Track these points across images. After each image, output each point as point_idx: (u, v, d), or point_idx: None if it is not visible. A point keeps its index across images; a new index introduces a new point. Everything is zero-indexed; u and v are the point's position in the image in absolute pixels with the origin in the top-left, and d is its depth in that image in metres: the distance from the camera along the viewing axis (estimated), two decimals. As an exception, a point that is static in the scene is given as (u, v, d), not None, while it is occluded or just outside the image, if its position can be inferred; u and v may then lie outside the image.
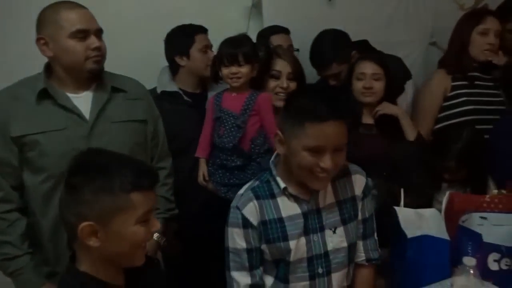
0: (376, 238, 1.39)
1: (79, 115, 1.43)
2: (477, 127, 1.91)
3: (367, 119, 1.93)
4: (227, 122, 1.74)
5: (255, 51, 1.75)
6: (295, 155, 1.19)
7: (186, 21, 2.01)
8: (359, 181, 1.34)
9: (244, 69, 1.70)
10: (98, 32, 1.44)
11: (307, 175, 1.20)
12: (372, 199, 1.60)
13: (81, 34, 1.39)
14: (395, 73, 2.13)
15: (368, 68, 1.87)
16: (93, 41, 1.41)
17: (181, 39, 1.97)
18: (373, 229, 1.38)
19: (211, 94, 1.96)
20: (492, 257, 1.30)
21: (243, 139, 1.70)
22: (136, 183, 0.97)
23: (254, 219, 1.25)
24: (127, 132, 1.52)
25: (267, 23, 2.24)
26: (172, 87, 1.97)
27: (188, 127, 1.87)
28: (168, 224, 1.69)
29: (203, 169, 1.80)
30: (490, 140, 1.86)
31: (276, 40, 2.10)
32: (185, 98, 1.97)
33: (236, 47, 1.71)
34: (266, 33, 2.14)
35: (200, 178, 1.79)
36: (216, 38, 2.00)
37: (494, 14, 2.06)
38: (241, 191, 1.31)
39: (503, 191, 1.52)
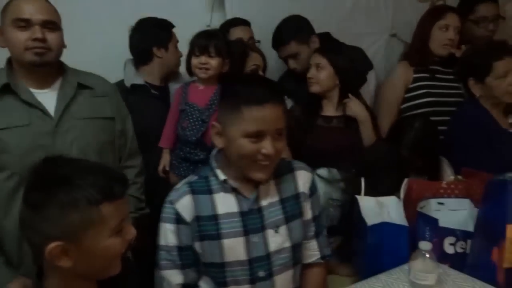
0: (325, 234, 1.37)
1: (44, 111, 1.39)
2: (437, 118, 1.97)
3: (327, 111, 1.97)
4: (191, 115, 1.72)
5: (228, 47, 1.75)
6: (234, 144, 1.15)
7: (148, 14, 1.97)
8: (303, 178, 1.30)
9: (214, 61, 1.69)
10: (45, 24, 1.38)
11: (249, 165, 1.16)
12: (340, 192, 1.66)
13: (22, 23, 1.34)
14: (357, 64, 2.18)
15: (313, 58, 1.91)
16: (34, 31, 1.35)
17: (160, 32, 1.95)
18: (324, 226, 1.36)
19: (174, 86, 1.95)
20: (448, 241, 1.35)
21: (207, 133, 1.68)
22: (105, 193, 0.88)
23: (187, 215, 1.19)
24: (94, 129, 1.48)
25: (230, 16, 2.23)
26: (139, 80, 1.94)
27: (159, 120, 1.84)
28: (139, 222, 1.66)
29: (164, 161, 1.78)
30: (448, 129, 1.94)
31: (237, 32, 2.10)
32: (152, 91, 1.94)
33: (208, 38, 1.71)
34: (226, 25, 2.13)
35: (160, 169, 1.78)
36: (178, 31, 2.00)
37: (455, 11, 2.13)
38: (178, 185, 1.26)
39: (459, 177, 1.58)
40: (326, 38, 2.23)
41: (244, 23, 2.16)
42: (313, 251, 1.33)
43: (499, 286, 1.18)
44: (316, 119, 1.95)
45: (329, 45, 2.03)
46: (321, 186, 1.66)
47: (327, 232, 1.69)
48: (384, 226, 1.35)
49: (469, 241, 1.32)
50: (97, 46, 2.01)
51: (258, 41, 2.18)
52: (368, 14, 2.37)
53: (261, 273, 1.21)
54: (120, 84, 1.89)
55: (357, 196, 1.50)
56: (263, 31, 2.21)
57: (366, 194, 1.51)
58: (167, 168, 1.78)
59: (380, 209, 1.46)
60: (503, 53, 1.84)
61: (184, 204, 1.19)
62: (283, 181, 1.28)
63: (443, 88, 2.10)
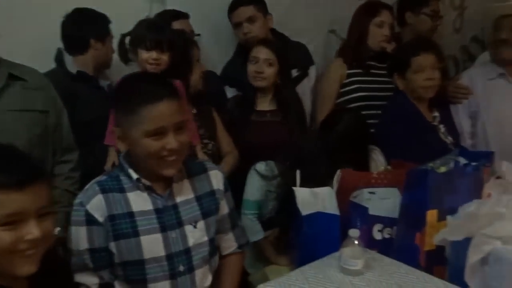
0: (242, 225, 1.45)
1: None
2: (370, 112, 2.07)
3: (261, 106, 2.00)
4: None
5: (176, 40, 1.72)
6: (138, 145, 1.15)
7: (84, 3, 1.90)
8: (216, 176, 1.34)
9: (165, 57, 1.65)
10: None
11: (157, 162, 1.17)
12: (277, 185, 1.70)
13: None
14: (299, 58, 2.25)
15: (261, 53, 1.95)
16: None
17: (99, 24, 1.90)
18: (238, 218, 1.43)
19: (103, 83, 1.92)
20: (376, 228, 1.42)
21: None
22: None
23: (100, 215, 1.17)
24: (24, 122, 1.43)
25: (170, 7, 2.19)
26: (74, 69, 1.88)
27: (104, 110, 1.79)
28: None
29: (113, 157, 1.73)
30: (379, 123, 2.04)
31: (176, 26, 2.06)
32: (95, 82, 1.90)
33: (160, 32, 1.66)
34: (167, 18, 2.09)
35: (109, 166, 1.73)
36: (115, 22, 1.94)
37: (388, 7, 2.23)
38: (87, 186, 1.23)
39: (389, 168, 1.67)
40: (275, 34, 2.30)
41: (183, 16, 2.13)
42: (230, 242, 1.39)
43: (421, 268, 1.27)
44: (250, 114, 1.98)
45: (279, 43, 2.08)
46: (258, 180, 1.70)
47: (266, 224, 1.75)
48: (318, 216, 1.40)
49: (395, 228, 1.40)
50: (30, 36, 1.91)
51: (198, 35, 2.16)
52: (308, 10, 2.42)
53: (181, 268, 1.22)
54: (62, 71, 1.84)
55: (294, 188, 1.54)
56: (204, 24, 2.20)
57: (302, 186, 1.56)
58: (117, 164, 1.73)
59: (315, 200, 1.51)
60: (421, 49, 1.95)
61: (95, 204, 1.17)
62: (197, 180, 1.31)
63: (376, 83, 2.20)
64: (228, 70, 2.27)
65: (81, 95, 1.72)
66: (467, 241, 1.14)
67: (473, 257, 1.11)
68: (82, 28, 1.88)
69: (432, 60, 1.94)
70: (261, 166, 1.71)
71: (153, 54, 1.63)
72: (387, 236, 1.41)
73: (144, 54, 1.64)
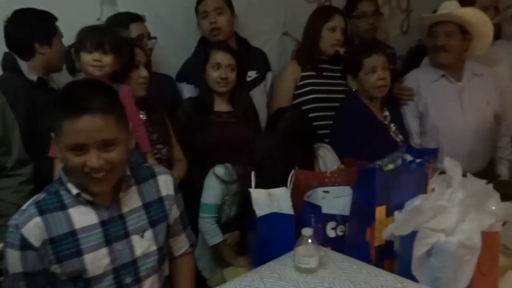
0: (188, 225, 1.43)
1: None
2: (324, 113, 2.15)
3: (218, 107, 2.01)
4: None
5: (120, 44, 1.67)
6: (64, 158, 1.09)
7: (32, 4, 1.84)
8: (165, 181, 1.29)
9: (108, 59, 1.60)
10: None
11: (82, 178, 1.11)
12: (236, 187, 1.70)
13: None
14: (258, 63, 2.28)
15: (224, 58, 1.96)
16: None
17: (42, 25, 1.82)
18: (187, 220, 1.40)
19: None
20: (330, 225, 1.45)
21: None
22: None
23: (36, 239, 1.10)
24: None
25: (122, 9, 2.15)
26: (33, 76, 1.81)
27: None
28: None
29: (58, 170, 1.67)
30: (333, 123, 2.09)
31: (131, 29, 2.03)
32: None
33: (102, 33, 1.62)
34: (123, 21, 2.05)
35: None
36: (65, 26, 1.88)
37: (340, 12, 2.30)
38: (24, 206, 1.15)
39: (342, 166, 1.71)
40: (238, 38, 2.33)
41: (139, 18, 2.09)
42: (183, 243, 1.39)
43: (373, 263, 1.31)
44: (208, 115, 1.99)
45: (230, 47, 2.09)
46: (217, 184, 1.70)
47: (225, 227, 1.75)
48: (273, 216, 1.42)
49: (347, 225, 1.44)
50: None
51: (155, 38, 2.14)
52: (262, 12, 2.45)
53: (128, 279, 1.19)
54: (19, 77, 1.77)
55: (250, 190, 1.55)
56: (158, 27, 2.18)
57: (260, 187, 1.58)
58: None
59: (271, 201, 1.53)
60: (372, 50, 2.03)
61: (31, 228, 1.11)
62: (145, 186, 1.26)
63: (329, 85, 2.26)
64: (188, 67, 2.26)
65: (41, 103, 1.65)
66: (413, 235, 1.19)
67: (418, 250, 1.16)
68: (24, 32, 1.80)
69: (383, 60, 2.02)
70: (220, 170, 1.71)
71: (95, 55, 1.58)
72: (340, 233, 1.44)
73: (86, 57, 1.59)
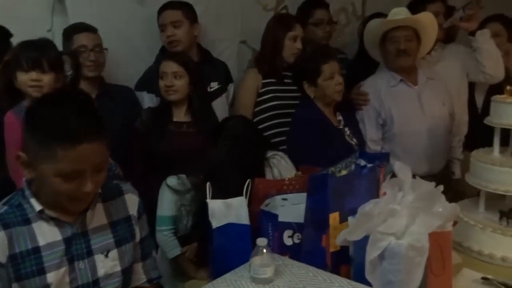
0: (155, 256, 1.35)
1: None
2: (285, 120, 2.16)
3: (177, 117, 1.99)
4: None
5: (61, 59, 1.60)
6: (47, 182, 1.03)
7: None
8: (131, 200, 1.24)
9: (48, 78, 1.51)
10: None
11: (66, 201, 1.07)
12: (191, 198, 1.68)
13: None
14: (220, 75, 2.27)
15: (168, 67, 1.95)
16: None
17: None
18: (152, 247, 1.33)
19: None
20: (286, 234, 1.45)
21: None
22: None
23: (2, 255, 1.05)
24: None
25: (73, 20, 2.10)
26: None
27: None
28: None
29: None
30: (289, 129, 2.11)
31: (81, 39, 2.00)
32: None
33: (39, 50, 1.52)
34: (69, 32, 2.01)
35: None
36: (15, 38, 1.81)
37: (299, 21, 2.33)
38: None
39: (298, 173, 1.72)
40: (200, 49, 2.30)
41: (89, 29, 2.05)
42: (140, 275, 1.28)
43: (329, 269, 1.32)
44: (167, 125, 1.96)
45: (182, 54, 2.09)
46: (171, 195, 1.67)
47: (183, 239, 1.72)
48: (229, 227, 1.41)
49: (303, 232, 1.44)
50: None
51: (105, 49, 2.10)
52: (218, 21, 2.45)
53: None
54: None
55: (207, 200, 1.53)
56: (112, 37, 2.14)
57: (217, 198, 1.56)
58: None
59: (228, 211, 1.52)
60: (329, 56, 2.07)
61: None
62: (113, 204, 1.22)
63: (289, 92, 2.28)
64: (148, 75, 2.23)
65: None
66: (366, 239, 1.20)
67: (371, 254, 1.17)
68: None
69: (338, 66, 2.08)
70: (172, 181, 1.68)
71: (33, 75, 1.49)
72: (297, 241, 1.44)
73: (22, 76, 1.49)
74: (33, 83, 1.49)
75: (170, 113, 1.99)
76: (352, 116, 2.23)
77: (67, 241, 1.11)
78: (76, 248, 1.12)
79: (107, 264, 1.16)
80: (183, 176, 1.69)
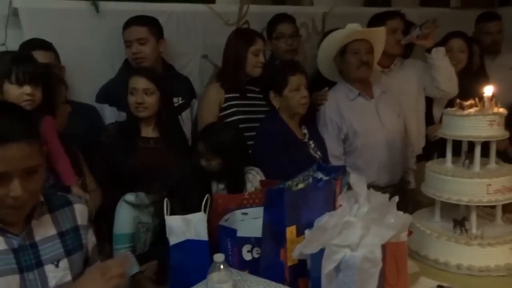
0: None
1: None
2: (248, 134, 2.14)
3: (145, 132, 1.97)
4: None
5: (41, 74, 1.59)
6: None
7: None
8: (80, 211, 1.26)
9: (39, 92, 1.52)
10: None
11: (0, 209, 1.06)
12: (150, 215, 1.65)
13: None
14: (183, 90, 2.28)
15: (139, 83, 1.92)
16: None
17: None
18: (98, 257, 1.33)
19: None
20: (245, 248, 1.45)
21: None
22: None
23: None
24: None
25: (28, 35, 2.05)
26: None
27: None
28: None
29: None
30: (254, 142, 2.12)
31: (37, 57, 1.94)
32: None
33: (33, 63, 1.54)
34: (27, 48, 1.94)
35: None
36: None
37: (261, 36, 2.36)
38: None
39: (258, 187, 1.72)
40: (164, 64, 2.29)
41: (44, 47, 1.99)
42: None
43: (287, 282, 1.32)
44: (135, 140, 1.94)
45: (153, 71, 2.06)
46: (129, 212, 1.64)
47: (142, 257, 1.68)
48: (187, 244, 1.39)
49: (261, 246, 1.44)
50: None
51: (62, 66, 2.06)
52: (180, 35, 2.44)
53: None
54: None
55: (165, 217, 1.51)
56: (69, 51, 2.10)
57: (176, 214, 1.54)
58: None
59: (187, 227, 1.50)
60: (297, 69, 2.12)
61: None
62: (60, 214, 1.22)
63: (253, 106, 2.30)
64: (110, 88, 2.20)
65: None
66: (323, 252, 1.21)
67: (326, 267, 1.18)
68: None
69: (305, 80, 2.12)
70: (130, 197, 1.65)
71: (27, 89, 1.49)
72: (256, 255, 1.44)
73: (15, 90, 1.48)
74: (28, 97, 1.51)
75: (138, 128, 1.96)
76: (317, 130, 2.26)
77: (14, 252, 1.11)
78: (25, 260, 1.12)
79: (57, 274, 1.16)
80: (141, 193, 1.66)
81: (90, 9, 2.20)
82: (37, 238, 1.15)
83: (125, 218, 1.64)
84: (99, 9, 2.20)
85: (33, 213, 1.14)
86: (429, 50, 2.37)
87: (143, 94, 1.91)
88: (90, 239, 1.27)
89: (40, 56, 1.93)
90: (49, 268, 1.14)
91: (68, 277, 1.17)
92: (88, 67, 2.22)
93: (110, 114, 2.17)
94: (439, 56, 2.35)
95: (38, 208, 1.15)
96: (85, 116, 2.09)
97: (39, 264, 1.13)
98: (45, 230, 1.17)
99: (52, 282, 1.14)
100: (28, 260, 1.12)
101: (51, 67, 1.88)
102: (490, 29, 2.97)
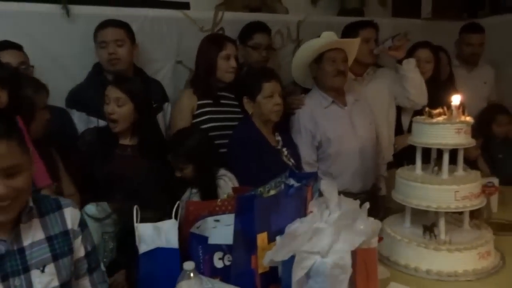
0: (103, 269, 1.34)
1: None
2: (222, 141, 2.14)
3: (123, 140, 1.94)
4: None
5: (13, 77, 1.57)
6: None
7: None
8: (71, 214, 1.24)
9: (4, 95, 1.49)
10: None
11: None
12: (114, 224, 1.62)
13: None
14: (155, 94, 2.25)
15: (111, 91, 1.89)
16: None
17: None
18: (98, 261, 1.33)
19: None
20: (216, 256, 1.43)
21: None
22: None
23: None
24: None
25: (-4, 37, 2.00)
26: None
27: None
28: None
29: None
30: (227, 149, 2.11)
31: (5, 57, 1.89)
32: None
33: None
34: None
35: None
36: None
37: (231, 40, 2.35)
38: None
39: (231, 194, 1.71)
40: (135, 69, 2.27)
41: (13, 46, 1.96)
42: None
43: (258, 290, 1.31)
44: (114, 147, 1.91)
45: (127, 81, 2.01)
46: (91, 223, 1.60)
47: (110, 269, 1.64)
48: (157, 252, 1.36)
49: (232, 254, 1.43)
50: None
51: (32, 66, 2.01)
52: (154, 41, 2.42)
53: None
54: None
55: (135, 225, 1.48)
56: (38, 55, 2.05)
57: (146, 221, 1.51)
58: None
59: (158, 235, 1.47)
60: (271, 76, 2.13)
61: None
62: (50, 218, 1.21)
63: (226, 113, 2.28)
64: (79, 93, 2.16)
65: None
66: (293, 259, 1.21)
67: (297, 273, 1.18)
68: None
69: (279, 87, 2.12)
70: (91, 209, 1.62)
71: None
72: (228, 263, 1.42)
73: None
74: None
75: (116, 135, 1.92)
76: (290, 137, 2.26)
77: (2, 257, 1.10)
78: (11, 265, 1.11)
79: (43, 279, 1.15)
80: (102, 202, 1.63)
81: (61, 13, 2.16)
82: (25, 243, 1.14)
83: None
84: (70, 13, 2.17)
85: (20, 217, 1.13)
86: (400, 61, 2.42)
87: (114, 104, 1.88)
88: (85, 243, 1.25)
89: (12, 56, 1.90)
90: (35, 274, 1.13)
91: (55, 283, 1.16)
92: (58, 71, 2.18)
93: (79, 120, 2.13)
94: (410, 67, 2.41)
95: (26, 212, 1.14)
96: (57, 119, 2.04)
97: (26, 269, 1.13)
98: (33, 234, 1.16)
99: (37, 287, 1.13)
100: (14, 265, 1.11)
101: (19, 69, 1.84)
102: (472, 40, 3.03)
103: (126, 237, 1.50)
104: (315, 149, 2.28)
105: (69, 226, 1.23)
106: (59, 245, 1.19)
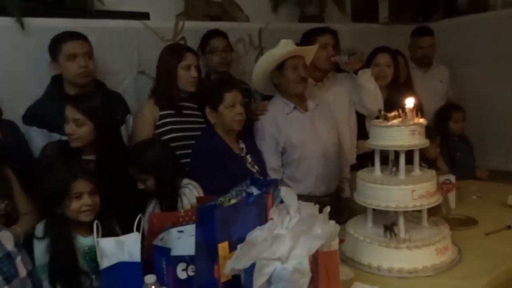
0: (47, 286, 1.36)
1: None
2: (184, 151, 2.13)
3: (87, 155, 1.93)
4: None
5: None
6: None
7: None
8: (5, 238, 1.26)
9: None
10: None
11: None
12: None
13: None
14: (116, 106, 2.21)
15: (69, 113, 1.87)
16: None
17: None
18: (40, 280, 1.35)
19: None
20: (180, 267, 1.43)
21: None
22: None
23: None
24: None
25: None
26: None
27: None
28: None
29: None
30: (191, 158, 2.11)
31: None
32: None
33: None
34: None
35: None
36: None
37: (190, 50, 2.34)
38: None
39: (195, 204, 1.72)
40: (95, 82, 2.22)
41: None
42: None
43: (222, 300, 1.31)
44: (75, 163, 1.86)
45: (85, 100, 1.94)
46: (37, 242, 1.58)
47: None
48: (119, 266, 1.35)
49: (195, 264, 1.43)
50: None
51: None
52: (113, 53, 2.39)
53: None
54: None
55: (97, 239, 1.46)
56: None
57: (108, 235, 1.50)
58: None
59: (120, 249, 1.46)
60: (232, 86, 2.15)
61: None
62: None
63: (188, 123, 2.27)
64: (38, 109, 2.09)
65: None
66: (254, 266, 1.23)
67: (258, 280, 1.20)
68: None
69: (240, 96, 2.14)
70: (39, 230, 1.60)
71: None
72: (191, 273, 1.42)
73: None
74: None
75: (79, 150, 1.89)
76: (254, 144, 2.28)
77: None
78: None
79: None
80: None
81: (15, 25, 2.11)
82: None
83: (38, 249, 1.57)
84: (25, 25, 2.12)
85: None
86: (356, 71, 2.50)
87: (73, 124, 1.86)
88: (25, 263, 1.27)
89: None
90: None
91: None
92: (13, 86, 2.12)
93: (38, 137, 2.07)
94: (365, 77, 2.48)
95: None
96: (8, 134, 1.97)
97: None
98: None
99: None
100: None
101: None
102: (423, 43, 3.17)
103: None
104: (280, 155, 2.30)
105: (9, 248, 1.25)
106: (7, 268, 1.22)
